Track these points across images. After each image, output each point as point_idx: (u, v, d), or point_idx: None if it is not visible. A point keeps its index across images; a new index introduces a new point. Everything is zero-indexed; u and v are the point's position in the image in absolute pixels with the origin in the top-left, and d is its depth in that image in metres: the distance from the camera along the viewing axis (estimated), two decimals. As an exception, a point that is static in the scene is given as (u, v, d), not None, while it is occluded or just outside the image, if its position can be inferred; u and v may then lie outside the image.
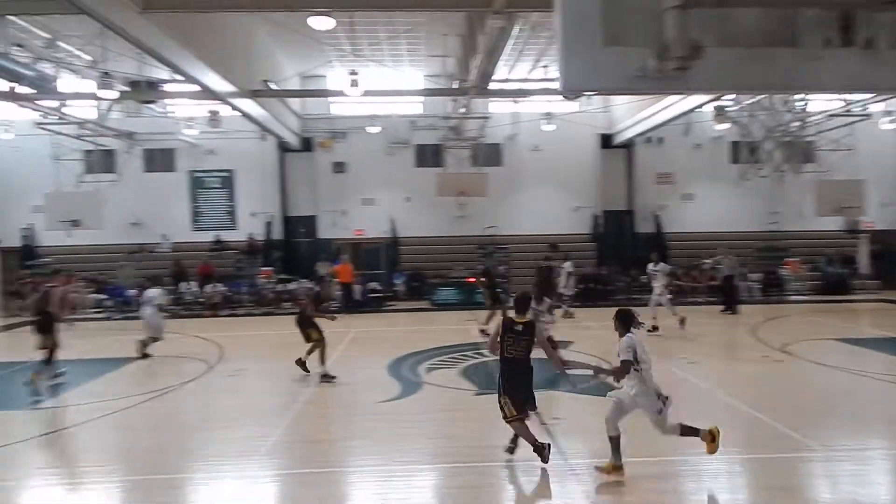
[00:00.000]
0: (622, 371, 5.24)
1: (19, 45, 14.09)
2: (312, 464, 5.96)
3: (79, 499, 5.47)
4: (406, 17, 15.35)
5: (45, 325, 9.29)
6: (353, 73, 12.99)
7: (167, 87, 14.91)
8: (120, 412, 7.88)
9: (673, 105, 17.24)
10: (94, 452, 6.57)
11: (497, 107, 21.70)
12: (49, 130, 18.05)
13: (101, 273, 19.44)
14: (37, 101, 15.89)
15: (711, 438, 5.34)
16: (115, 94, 14.19)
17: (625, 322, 5.39)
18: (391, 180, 22.15)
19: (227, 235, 21.57)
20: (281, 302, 18.59)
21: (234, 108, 15.15)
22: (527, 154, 22.21)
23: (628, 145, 22.32)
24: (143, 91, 14.78)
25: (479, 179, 19.68)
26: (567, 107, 21.09)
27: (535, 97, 19.73)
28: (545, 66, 14.86)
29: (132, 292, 18.46)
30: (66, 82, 16.25)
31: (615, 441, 5.26)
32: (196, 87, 13.19)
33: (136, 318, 17.17)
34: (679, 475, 5.64)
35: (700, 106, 17.28)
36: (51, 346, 9.18)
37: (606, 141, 22.32)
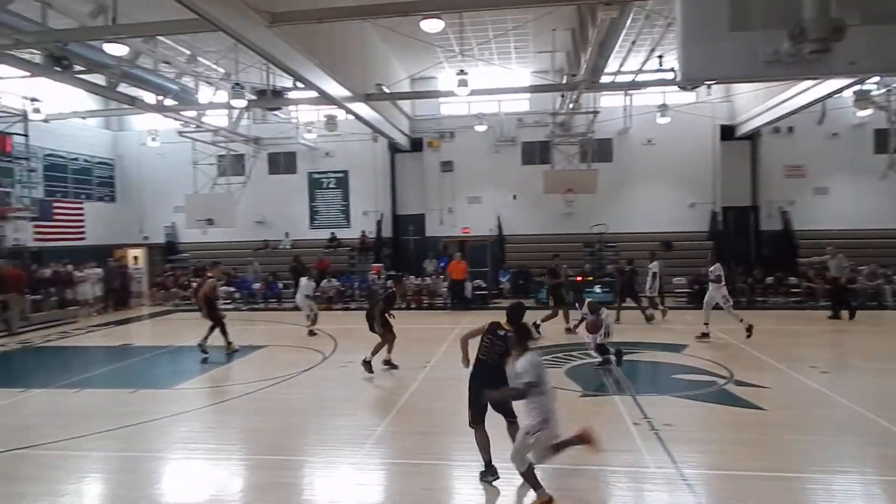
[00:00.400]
0: (521, 395, 4.71)
1: (166, 63, 15.67)
2: (419, 455, 6.12)
3: (213, 471, 6.00)
4: (515, 14, 15.33)
5: (210, 308, 11.53)
6: (462, 72, 13.15)
7: (290, 95, 15.92)
8: (246, 396, 8.56)
9: (807, 91, 15.81)
10: (225, 431, 7.18)
11: (608, 101, 21.04)
12: (189, 138, 19.98)
13: (233, 268, 21.12)
14: (180, 112, 17.60)
15: (587, 441, 4.92)
16: (244, 103, 15.37)
17: (523, 336, 4.92)
18: (498, 178, 22.18)
19: (341, 233, 22.68)
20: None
21: (349, 111, 15.88)
22: (639, 148, 21.33)
23: (753, 136, 20.79)
24: (269, 99, 15.89)
25: (588, 176, 19.20)
26: (684, 98, 20.01)
27: (648, 89, 18.90)
28: (660, 57, 14.16)
29: (257, 286, 20.01)
30: (204, 94, 17.86)
31: (529, 474, 4.79)
32: (315, 94, 13.94)
33: (261, 309, 18.63)
34: (808, 493, 5.19)
35: (839, 91, 15.67)
36: (215, 322, 11.46)
37: (727, 132, 20.94)
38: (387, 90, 16.50)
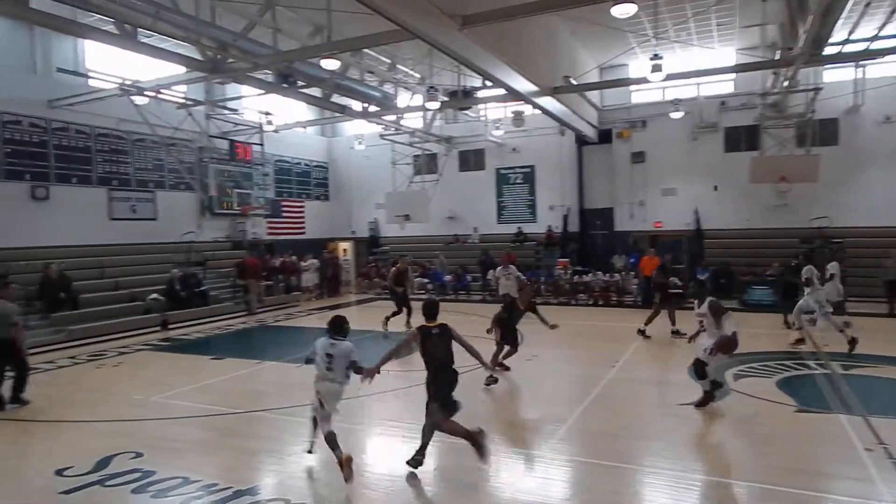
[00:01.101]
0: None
1: (370, 72, 17.22)
2: (606, 456, 5.98)
3: (408, 449, 6.49)
4: (717, -11, 14.05)
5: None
6: (656, 56, 12.40)
7: (479, 94, 16.47)
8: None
9: None
10: (419, 411, 7.71)
11: (833, 75, 18.28)
12: (389, 140, 21.74)
13: (427, 260, 22.50)
14: (382, 117, 19.24)
15: (346, 464, 5.37)
16: (437, 105, 16.26)
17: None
18: (696, 168, 20.55)
19: (527, 228, 22.88)
20: (576, 293, 18.95)
21: (537, 106, 15.91)
22: (873, 129, 18.19)
23: None
24: (460, 99, 16.62)
25: (807, 162, 16.90)
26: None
27: (887, 59, 15.99)
28: (905, 18, 11.92)
29: (448, 277, 21.09)
30: (402, 99, 19.30)
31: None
32: (503, 91, 14.23)
33: (451, 300, 19.56)
34: None
35: None
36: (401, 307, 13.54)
37: None
38: (574, 82, 16.22)
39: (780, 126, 18.09)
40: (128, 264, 16.96)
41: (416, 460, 5.69)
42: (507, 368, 9.13)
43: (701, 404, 7.30)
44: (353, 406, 7.94)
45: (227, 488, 5.33)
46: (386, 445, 6.66)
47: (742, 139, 19.83)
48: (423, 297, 20.46)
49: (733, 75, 19.51)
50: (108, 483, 5.54)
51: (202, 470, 5.78)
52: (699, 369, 7.34)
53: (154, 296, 15.81)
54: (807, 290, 10.81)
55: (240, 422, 7.46)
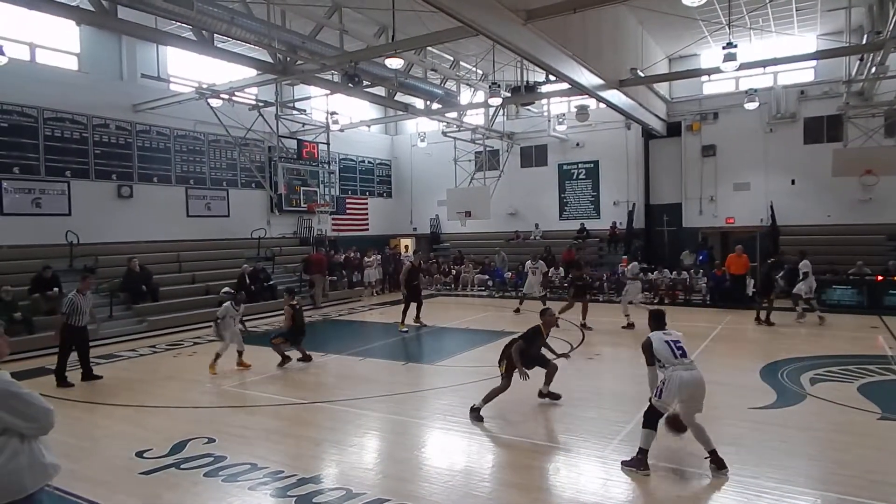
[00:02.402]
0: None
1: (433, 70, 17.35)
2: (670, 460, 5.78)
3: (466, 444, 6.53)
4: (797, -29, 13.27)
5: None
6: (730, 45, 11.84)
7: (542, 89, 16.27)
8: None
9: None
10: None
11: (929, 59, 16.89)
12: (451, 137, 21.84)
13: (486, 257, 22.48)
14: (444, 114, 19.34)
15: None
16: (500, 101, 16.19)
17: None
18: (771, 161, 19.56)
19: (590, 224, 22.45)
20: (641, 291, 18.37)
21: (601, 100, 15.56)
22: (977, 116, 16.71)
23: None
24: (522, 95, 16.49)
25: (897, 154, 15.75)
26: None
27: None
28: None
29: (508, 274, 20.99)
30: (465, 95, 19.33)
31: None
32: (567, 85, 13.99)
33: (512, 297, 19.45)
34: None
35: None
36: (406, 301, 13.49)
37: None
38: (642, 74, 15.75)
39: (867, 115, 16.95)
40: (203, 259, 17.87)
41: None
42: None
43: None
44: (413, 400, 8.06)
45: (292, 475, 5.54)
46: (444, 440, 6.71)
47: (823, 130, 18.72)
48: (484, 294, 20.48)
49: (813, 63, 18.43)
50: (182, 466, 5.87)
51: (269, 457, 6.02)
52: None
53: (227, 289, 16.55)
54: None
55: (305, 412, 7.72)
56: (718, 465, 5.33)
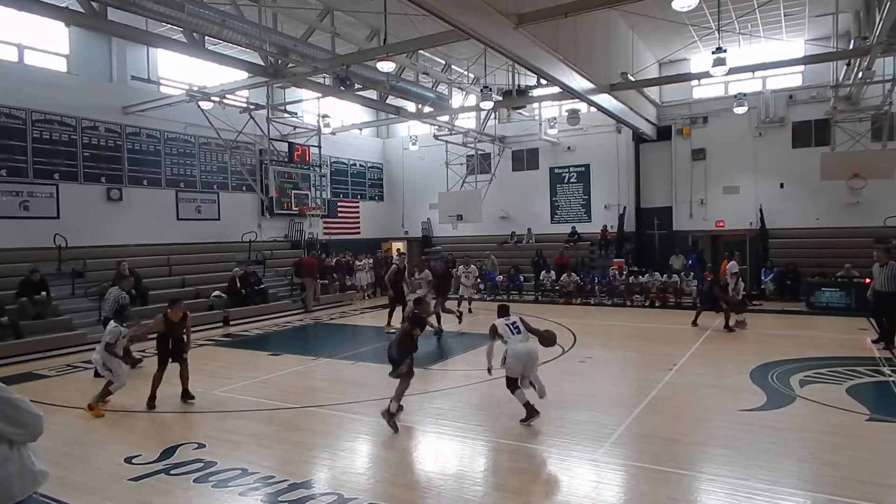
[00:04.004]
0: None
1: (425, 73, 17.35)
2: (662, 462, 5.81)
3: (459, 448, 6.53)
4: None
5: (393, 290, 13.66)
6: (719, 50, 11.95)
7: (534, 93, 16.32)
8: (486, 382, 9.02)
9: None
10: (470, 411, 7.73)
11: (914, 64, 17.10)
12: (443, 140, 21.84)
13: (478, 260, 22.43)
14: (436, 117, 19.36)
15: None
16: (491, 104, 16.21)
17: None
18: (760, 165, 19.73)
19: (581, 227, 22.53)
20: (632, 294, 18.51)
21: (592, 104, 15.64)
22: (962, 121, 16.94)
23: None
24: (514, 98, 16.53)
25: (883, 157, 15.98)
26: None
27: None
28: None
29: (500, 277, 21.01)
30: (456, 99, 19.37)
31: None
32: (558, 89, 14.05)
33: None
34: None
35: None
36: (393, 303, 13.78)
37: None
38: (632, 78, 15.85)
39: (854, 119, 17.13)
40: (193, 262, 17.76)
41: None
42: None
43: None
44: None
45: (282, 481, 5.50)
46: (436, 444, 6.70)
47: (811, 134, 18.90)
48: (476, 297, 20.45)
49: (801, 68, 18.60)
50: (172, 472, 5.82)
51: (260, 462, 5.98)
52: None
53: (217, 293, 16.50)
54: None
55: (295, 416, 7.68)
56: (530, 413, 6.81)
